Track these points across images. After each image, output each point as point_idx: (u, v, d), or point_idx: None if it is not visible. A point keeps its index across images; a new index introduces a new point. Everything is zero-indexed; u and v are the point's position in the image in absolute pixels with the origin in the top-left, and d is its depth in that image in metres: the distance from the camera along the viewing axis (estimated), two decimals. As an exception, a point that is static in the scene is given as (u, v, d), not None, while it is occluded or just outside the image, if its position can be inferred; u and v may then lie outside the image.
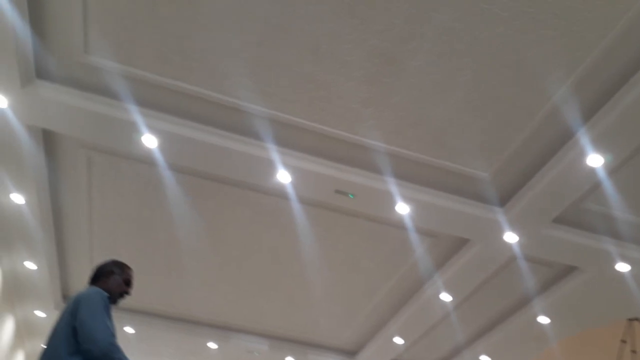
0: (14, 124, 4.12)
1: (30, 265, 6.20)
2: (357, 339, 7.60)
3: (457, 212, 4.62)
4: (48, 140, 4.54)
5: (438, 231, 5.10)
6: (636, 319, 5.67)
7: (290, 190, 4.63)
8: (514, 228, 4.69)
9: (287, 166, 4.34)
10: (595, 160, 3.85)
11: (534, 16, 3.12)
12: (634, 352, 5.54)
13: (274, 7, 3.27)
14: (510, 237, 4.81)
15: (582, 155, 3.84)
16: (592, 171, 3.96)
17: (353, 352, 7.92)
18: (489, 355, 7.15)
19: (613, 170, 3.98)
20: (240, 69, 3.72)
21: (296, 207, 5.00)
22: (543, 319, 6.19)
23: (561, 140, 3.91)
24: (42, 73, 3.83)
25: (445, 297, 6.01)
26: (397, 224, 4.97)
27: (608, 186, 4.14)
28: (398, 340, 7.15)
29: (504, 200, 4.57)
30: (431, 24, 3.26)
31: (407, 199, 4.54)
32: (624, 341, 5.58)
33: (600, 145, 3.75)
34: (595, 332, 6.23)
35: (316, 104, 3.92)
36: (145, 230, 5.70)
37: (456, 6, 3.13)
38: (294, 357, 8.03)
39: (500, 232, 4.77)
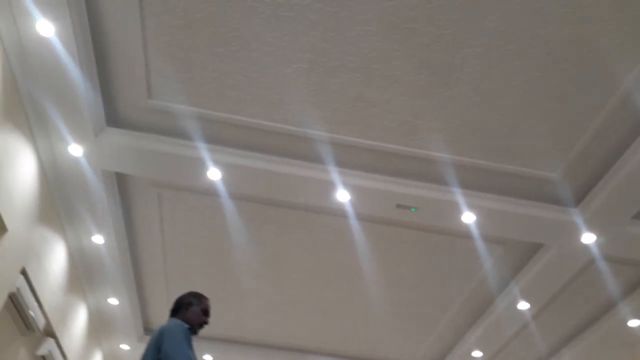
0: (89, 170, 4.43)
1: (113, 301, 6.53)
2: (433, 355, 7.40)
3: (527, 217, 4.44)
4: (121, 182, 4.83)
5: (508, 238, 4.91)
6: None
7: (350, 209, 4.64)
8: (591, 228, 4.44)
9: (347, 185, 4.36)
10: (676, 148, 3.62)
11: (592, 10, 3.00)
12: None
13: (319, 33, 3.34)
14: (588, 238, 4.55)
15: (660, 143, 3.62)
16: (673, 160, 3.71)
17: (430, 368, 7.72)
18: (577, 365, 6.74)
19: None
20: (292, 97, 3.81)
21: (359, 225, 5.00)
22: (633, 322, 5.78)
23: (636, 130, 3.69)
24: (111, 121, 4.11)
25: (523, 305, 5.75)
26: (465, 234, 4.84)
27: (693, 175, 3.86)
28: (477, 354, 6.90)
29: (577, 200, 4.35)
30: (480, 30, 3.20)
31: (472, 208, 4.42)
32: None
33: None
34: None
35: (370, 121, 3.94)
36: (216, 259, 5.89)
37: (504, 9, 3.07)
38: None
39: (576, 234, 4.53)
